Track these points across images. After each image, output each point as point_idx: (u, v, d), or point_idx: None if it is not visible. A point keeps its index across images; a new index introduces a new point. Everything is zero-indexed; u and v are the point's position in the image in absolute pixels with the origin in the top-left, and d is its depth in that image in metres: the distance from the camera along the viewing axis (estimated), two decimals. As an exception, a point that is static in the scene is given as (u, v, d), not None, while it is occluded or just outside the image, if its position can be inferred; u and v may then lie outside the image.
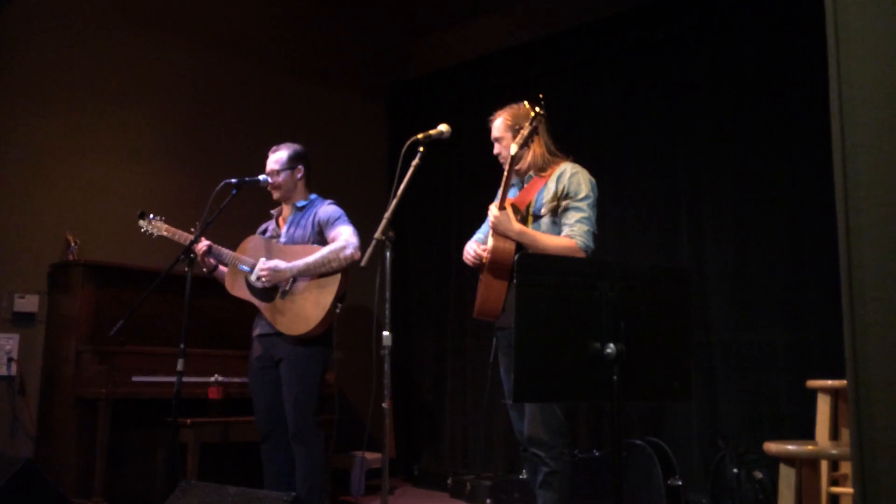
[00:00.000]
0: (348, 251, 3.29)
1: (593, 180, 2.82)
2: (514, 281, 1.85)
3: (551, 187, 2.78)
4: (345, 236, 3.34)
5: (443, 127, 2.84)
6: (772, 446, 2.68)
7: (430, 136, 2.81)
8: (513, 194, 2.91)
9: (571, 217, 2.72)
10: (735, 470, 3.78)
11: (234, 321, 4.44)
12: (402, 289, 5.79)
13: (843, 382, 3.06)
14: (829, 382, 3.21)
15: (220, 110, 5.15)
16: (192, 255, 3.30)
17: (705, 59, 4.54)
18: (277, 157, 3.50)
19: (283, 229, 3.50)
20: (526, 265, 1.86)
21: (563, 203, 2.74)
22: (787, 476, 2.67)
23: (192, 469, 3.87)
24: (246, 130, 5.19)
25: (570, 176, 2.77)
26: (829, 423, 3.18)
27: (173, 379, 3.15)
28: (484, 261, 2.76)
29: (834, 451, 2.68)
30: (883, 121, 1.38)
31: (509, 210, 2.72)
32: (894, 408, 1.32)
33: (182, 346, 3.15)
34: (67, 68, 4.47)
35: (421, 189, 5.38)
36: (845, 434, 3.11)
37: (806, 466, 2.69)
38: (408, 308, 5.88)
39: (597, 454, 3.95)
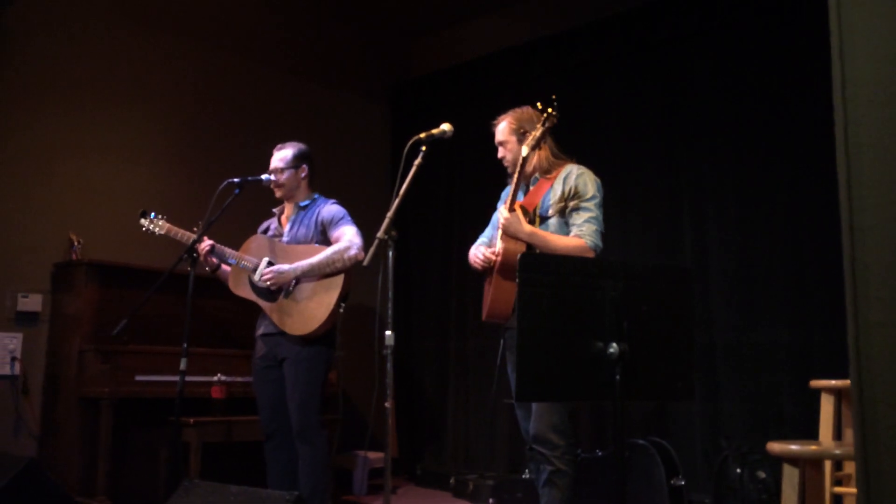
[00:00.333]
0: (352, 251, 3.29)
1: (599, 180, 2.85)
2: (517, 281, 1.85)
3: (558, 189, 2.81)
4: (348, 236, 3.34)
5: (445, 126, 2.84)
6: (775, 446, 2.67)
7: (433, 135, 2.81)
8: (519, 197, 2.92)
9: (579, 217, 2.75)
10: (738, 470, 3.78)
11: (236, 321, 4.45)
12: (404, 288, 5.79)
13: (847, 382, 3.06)
14: (833, 382, 3.20)
15: (223, 110, 5.16)
16: (194, 255, 3.30)
17: (707, 59, 4.54)
18: (282, 156, 3.50)
19: (286, 228, 3.50)
20: (528, 265, 1.86)
21: (571, 204, 2.77)
22: (790, 476, 2.66)
23: (195, 468, 3.87)
24: (248, 130, 5.19)
25: (577, 177, 2.80)
26: (832, 423, 3.17)
27: (176, 378, 3.15)
28: (493, 263, 2.78)
29: (837, 451, 2.68)
30: (887, 120, 1.37)
31: (519, 212, 2.74)
32: (898, 408, 1.32)
33: (185, 345, 3.15)
34: (70, 68, 4.47)
35: (423, 188, 5.37)
36: (849, 434, 3.10)
37: (809, 466, 2.68)
38: (410, 307, 5.88)
39: (600, 454, 3.95)
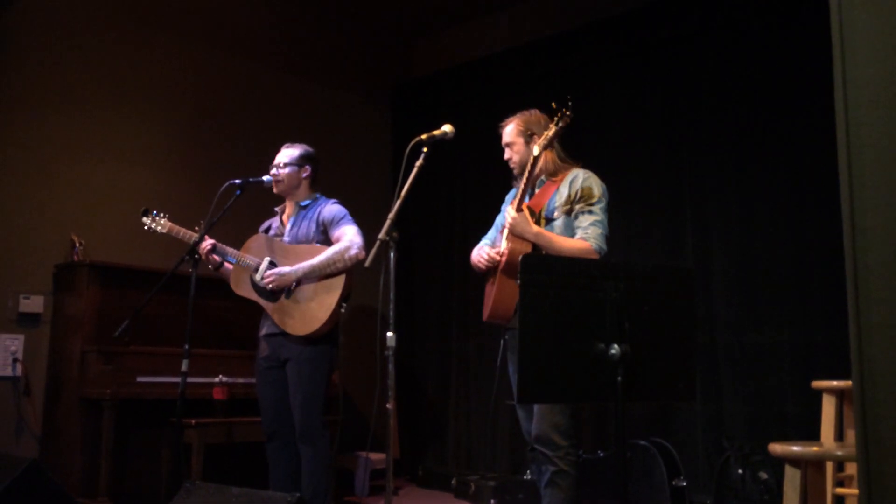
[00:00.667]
0: (353, 251, 3.30)
1: (604, 185, 2.88)
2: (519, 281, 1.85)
3: (564, 191, 2.83)
4: (349, 236, 3.34)
5: (446, 127, 2.85)
6: (777, 447, 2.67)
7: (434, 136, 2.82)
8: (525, 199, 2.93)
9: (585, 220, 2.77)
10: (740, 471, 3.77)
11: (238, 322, 4.45)
12: (406, 289, 5.79)
13: (849, 383, 3.05)
14: (835, 383, 3.20)
15: (224, 111, 5.16)
16: (196, 256, 3.30)
17: (709, 60, 4.53)
18: (289, 153, 3.53)
19: (287, 228, 3.50)
20: (530, 265, 1.86)
21: (577, 207, 2.80)
22: (792, 477, 2.66)
23: (197, 469, 3.88)
24: (249, 131, 5.20)
25: (584, 180, 2.83)
26: (834, 424, 3.17)
27: (178, 379, 3.15)
28: (497, 263, 2.78)
29: (839, 452, 2.68)
30: (888, 121, 1.37)
31: (526, 212, 2.75)
32: (900, 409, 1.31)
33: (186, 346, 3.15)
34: (70, 69, 4.48)
35: (425, 189, 5.37)
36: (850, 435, 3.10)
37: (811, 467, 2.68)
38: (412, 308, 5.88)
39: (601, 455, 3.95)
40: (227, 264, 3.51)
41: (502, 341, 2.94)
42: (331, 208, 3.47)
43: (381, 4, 5.82)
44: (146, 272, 4.20)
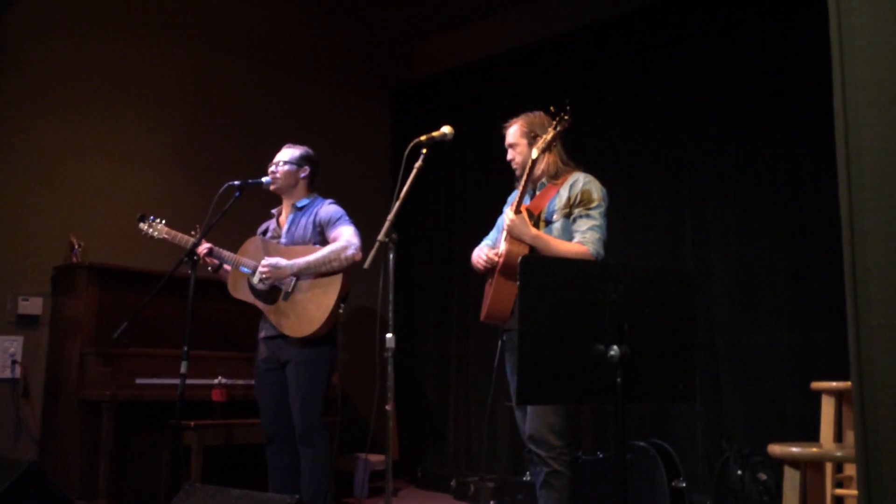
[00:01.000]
0: (349, 251, 3.30)
1: (604, 190, 2.88)
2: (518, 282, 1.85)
3: (563, 195, 2.83)
4: (346, 236, 3.34)
5: (446, 129, 2.85)
6: (776, 448, 2.67)
7: (433, 137, 2.82)
8: (525, 201, 2.94)
9: (583, 224, 2.77)
10: (739, 472, 3.77)
11: (237, 323, 4.45)
12: (405, 291, 5.78)
13: (848, 384, 3.05)
14: (834, 384, 3.20)
15: (224, 113, 5.16)
16: (195, 258, 3.30)
17: (709, 61, 4.54)
18: (290, 152, 3.54)
19: (284, 229, 3.50)
20: (529, 266, 1.86)
21: (576, 211, 2.80)
22: (791, 478, 2.67)
23: (196, 471, 3.87)
24: (249, 133, 5.19)
25: (584, 184, 2.83)
26: (833, 425, 3.17)
27: (177, 381, 3.15)
28: (495, 264, 2.79)
29: (838, 454, 2.68)
30: (887, 122, 1.37)
31: (525, 215, 2.75)
32: (899, 410, 1.31)
33: (185, 348, 3.15)
34: (70, 71, 4.48)
35: (424, 191, 5.39)
36: (850, 436, 3.10)
37: (810, 468, 2.68)
38: (411, 310, 5.88)
39: (601, 456, 3.95)
40: (225, 266, 3.51)
41: (500, 342, 2.94)
42: (327, 209, 3.47)
43: (381, 6, 5.82)
44: (145, 274, 4.20)
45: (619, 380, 1.84)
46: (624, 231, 4.63)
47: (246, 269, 3.41)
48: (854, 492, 2.98)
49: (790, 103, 4.17)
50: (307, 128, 5.38)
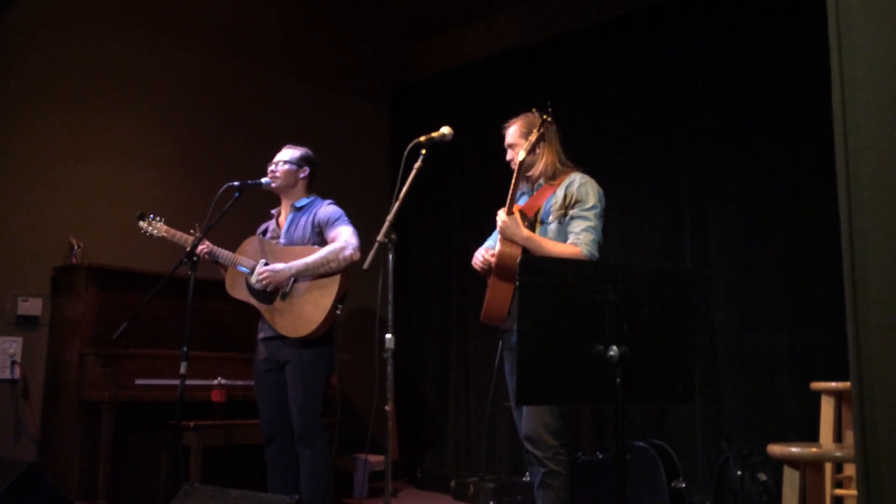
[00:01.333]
0: (348, 251, 3.30)
1: (601, 191, 2.86)
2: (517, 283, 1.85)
3: (559, 195, 2.82)
4: (344, 236, 3.34)
5: (445, 129, 2.85)
6: (776, 448, 2.67)
7: (433, 138, 2.82)
8: (523, 201, 2.94)
9: (578, 226, 2.75)
10: (739, 472, 3.77)
11: (237, 324, 4.45)
12: (404, 291, 5.78)
13: (847, 384, 3.05)
14: (833, 384, 3.20)
15: (224, 114, 5.16)
16: (194, 258, 3.30)
17: (708, 62, 4.54)
18: (290, 152, 3.54)
19: (283, 230, 3.50)
20: (528, 267, 1.86)
21: (571, 212, 2.78)
22: (791, 478, 2.67)
23: (195, 472, 3.87)
24: (249, 134, 5.20)
25: (579, 185, 2.81)
26: (832, 426, 3.17)
27: (176, 382, 3.15)
28: (491, 265, 2.78)
29: (838, 454, 2.68)
30: (886, 122, 1.37)
31: (517, 216, 2.74)
32: (898, 410, 1.31)
33: (185, 348, 3.15)
34: (70, 71, 4.48)
35: (423, 192, 5.38)
36: (849, 436, 3.10)
37: (810, 469, 2.68)
38: (410, 310, 5.88)
39: (600, 457, 3.94)
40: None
41: (500, 342, 2.94)
42: (326, 209, 3.47)
43: (380, 7, 5.82)
44: (144, 275, 4.20)
45: (618, 380, 1.84)
46: (623, 231, 4.63)
47: (244, 269, 3.41)
48: (853, 492, 2.99)
49: (790, 104, 4.17)
50: (307, 128, 5.39)
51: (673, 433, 4.30)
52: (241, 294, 3.45)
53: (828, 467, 3.01)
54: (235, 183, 3.39)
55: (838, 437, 3.18)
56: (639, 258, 4.57)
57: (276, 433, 3.36)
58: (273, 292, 3.36)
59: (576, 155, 2.98)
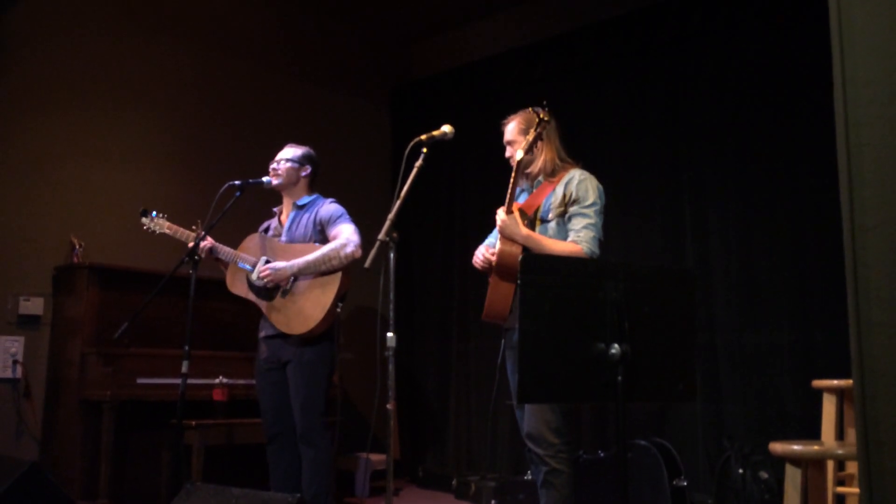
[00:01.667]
0: (349, 249, 3.30)
1: (601, 187, 2.84)
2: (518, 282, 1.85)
3: (559, 192, 2.81)
4: (346, 234, 3.34)
5: (446, 128, 2.85)
6: (777, 447, 2.67)
7: (434, 137, 2.82)
8: (522, 198, 2.93)
9: (578, 223, 2.74)
10: (741, 470, 3.77)
11: (238, 323, 4.45)
12: (406, 290, 5.79)
13: (849, 382, 3.05)
14: (835, 382, 3.20)
15: (224, 113, 5.16)
16: (196, 257, 3.30)
17: (708, 60, 4.54)
18: (292, 150, 3.56)
19: (285, 227, 3.51)
20: (529, 266, 1.86)
21: (571, 209, 2.77)
22: (792, 476, 2.66)
23: (197, 471, 3.87)
24: (249, 133, 5.20)
25: (579, 182, 2.80)
26: (834, 423, 3.17)
27: (178, 381, 3.15)
28: (492, 264, 2.78)
29: (840, 451, 2.67)
30: (888, 119, 1.37)
31: (516, 214, 2.74)
32: (900, 408, 1.31)
33: (187, 347, 3.15)
34: (71, 71, 4.48)
35: (424, 190, 5.38)
36: (851, 434, 3.10)
37: (812, 467, 2.68)
38: (412, 309, 5.88)
39: (602, 455, 3.95)
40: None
41: (502, 341, 2.94)
42: (328, 207, 3.47)
43: (380, 7, 5.82)
44: (146, 274, 4.20)
45: (619, 378, 1.84)
46: (624, 230, 4.63)
47: (245, 266, 3.41)
48: (856, 490, 2.99)
49: (790, 102, 4.17)
50: (307, 128, 5.38)
51: (674, 431, 4.30)
52: (241, 291, 3.45)
53: (830, 465, 3.00)
54: (236, 182, 3.39)
55: (840, 435, 3.18)
56: (639, 257, 4.57)
57: (278, 432, 3.37)
58: (273, 289, 3.37)
59: (577, 154, 2.98)
